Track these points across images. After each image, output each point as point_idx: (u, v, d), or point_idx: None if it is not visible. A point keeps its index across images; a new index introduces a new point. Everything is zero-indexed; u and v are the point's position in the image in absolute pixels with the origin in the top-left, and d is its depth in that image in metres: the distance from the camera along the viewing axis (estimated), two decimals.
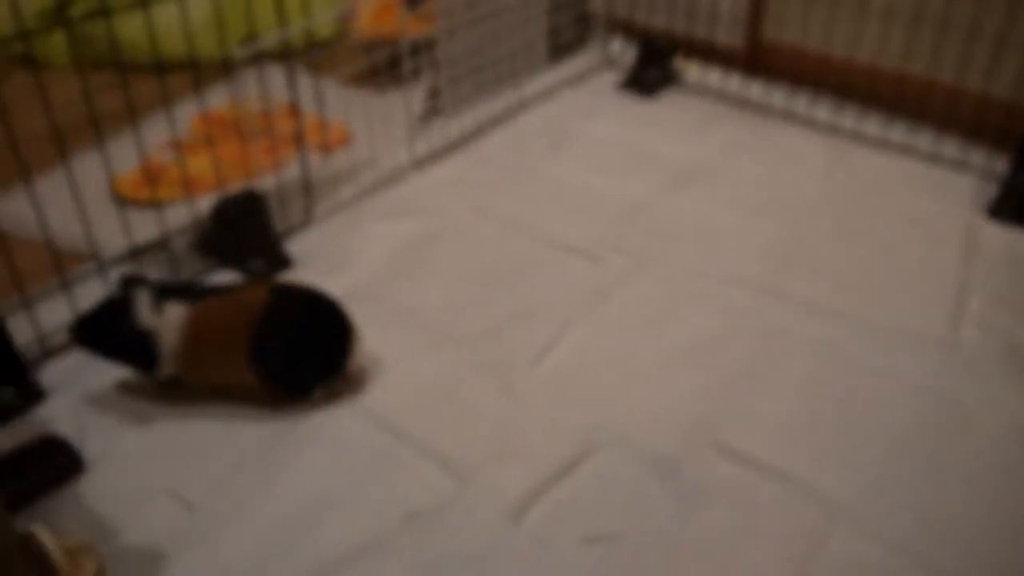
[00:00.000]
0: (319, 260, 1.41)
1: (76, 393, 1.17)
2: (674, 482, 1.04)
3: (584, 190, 1.59)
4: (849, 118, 1.76)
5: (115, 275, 1.29)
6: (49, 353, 1.23)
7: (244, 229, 1.38)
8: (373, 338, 1.23)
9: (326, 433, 1.11)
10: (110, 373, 1.20)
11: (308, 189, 1.48)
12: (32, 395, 1.17)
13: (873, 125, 1.73)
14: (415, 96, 1.63)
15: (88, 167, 1.16)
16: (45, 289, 1.23)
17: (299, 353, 1.11)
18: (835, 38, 1.78)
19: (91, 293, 1.28)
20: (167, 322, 1.07)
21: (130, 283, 1.10)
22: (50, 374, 1.21)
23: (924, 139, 1.69)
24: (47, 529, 0.40)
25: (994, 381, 1.18)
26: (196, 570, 0.94)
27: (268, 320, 1.09)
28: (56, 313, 1.25)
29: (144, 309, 1.06)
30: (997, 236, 1.46)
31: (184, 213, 1.34)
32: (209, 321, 1.09)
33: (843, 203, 1.55)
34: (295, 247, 1.44)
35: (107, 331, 1.09)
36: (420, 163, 1.66)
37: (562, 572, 0.95)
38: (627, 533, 0.98)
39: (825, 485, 1.03)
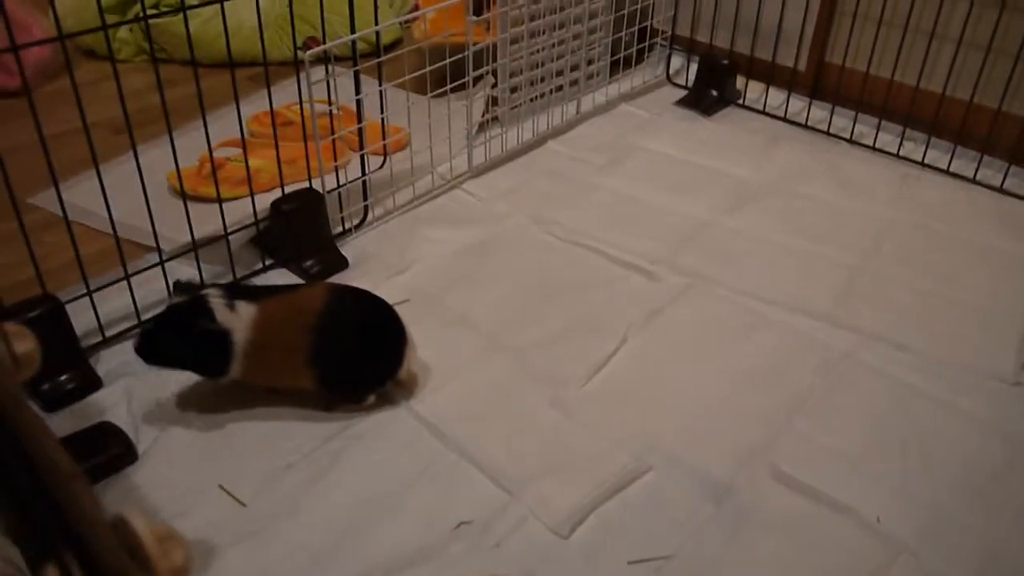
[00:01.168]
0: (374, 262, 1.42)
1: (131, 383, 1.18)
2: (728, 507, 1.02)
3: (643, 206, 1.57)
4: (916, 146, 1.72)
5: (175, 268, 1.30)
6: (107, 341, 1.24)
7: (301, 228, 1.38)
8: (426, 343, 1.23)
9: (377, 437, 1.10)
10: None
11: (366, 191, 1.48)
12: (89, 382, 1.18)
13: (940, 154, 1.69)
14: (475, 104, 1.63)
15: (147, 160, 1.17)
16: (106, 278, 1.24)
17: (355, 357, 1.10)
18: (903, 65, 1.75)
19: (151, 284, 1.29)
20: (242, 320, 1.07)
21: (187, 287, 1.09)
22: (107, 362, 1.22)
23: (993, 170, 1.64)
24: (138, 513, 0.39)
25: None
26: (244, 565, 0.94)
27: (325, 323, 1.08)
28: (116, 302, 1.27)
29: (221, 309, 1.06)
30: None
31: (242, 210, 1.35)
32: (269, 322, 1.09)
33: (908, 232, 1.51)
34: (351, 249, 1.45)
35: (177, 338, 1.07)
36: (478, 171, 1.66)
37: None
38: (677, 555, 0.96)
39: (885, 520, 1.00)
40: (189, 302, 1.07)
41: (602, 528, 1.00)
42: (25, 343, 0.54)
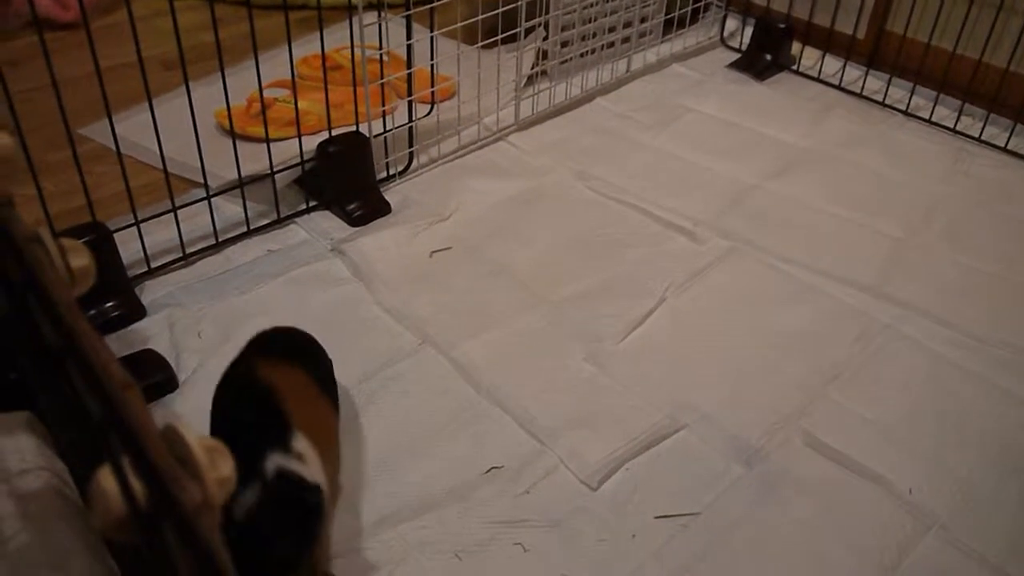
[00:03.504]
0: (417, 208, 1.42)
1: (174, 313, 1.21)
2: (758, 469, 1.02)
3: (689, 167, 1.56)
4: (973, 122, 1.68)
5: (220, 203, 1.32)
6: (152, 272, 1.26)
7: (346, 171, 1.39)
8: (465, 292, 1.23)
9: (413, 380, 1.12)
10: (206, 296, 1.23)
11: (412, 138, 1.48)
12: (133, 311, 1.20)
13: (999, 131, 1.65)
14: (525, 56, 1.62)
15: (197, 98, 1.18)
16: (153, 210, 1.26)
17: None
18: (966, 37, 1.70)
19: (196, 219, 1.31)
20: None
21: None
22: (151, 293, 1.25)
23: None
24: (187, 425, 0.40)
25: None
26: None
27: None
28: (162, 235, 1.28)
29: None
30: None
31: (289, 151, 1.36)
32: None
33: (960, 209, 1.48)
34: (394, 194, 1.45)
35: None
36: (524, 124, 1.65)
37: (636, 543, 0.94)
38: (704, 513, 0.97)
39: (917, 492, 0.99)
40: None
41: (631, 482, 1.00)
42: (81, 258, 0.56)
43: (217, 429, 0.87)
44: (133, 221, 1.21)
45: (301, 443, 0.80)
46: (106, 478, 0.41)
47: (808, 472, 1.02)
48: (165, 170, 1.20)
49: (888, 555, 0.93)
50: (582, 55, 1.77)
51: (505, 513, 0.96)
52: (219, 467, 0.42)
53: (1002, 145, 1.63)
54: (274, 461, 0.77)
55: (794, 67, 1.90)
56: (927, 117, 1.71)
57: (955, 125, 1.68)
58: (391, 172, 1.48)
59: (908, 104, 1.74)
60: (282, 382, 0.87)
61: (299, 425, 0.82)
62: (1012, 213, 1.47)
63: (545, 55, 1.71)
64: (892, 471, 1.01)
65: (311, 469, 0.79)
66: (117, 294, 1.20)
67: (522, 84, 1.61)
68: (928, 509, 0.98)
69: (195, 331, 1.18)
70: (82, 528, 0.77)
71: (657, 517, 0.96)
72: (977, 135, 1.66)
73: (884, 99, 1.77)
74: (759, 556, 0.93)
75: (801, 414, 1.09)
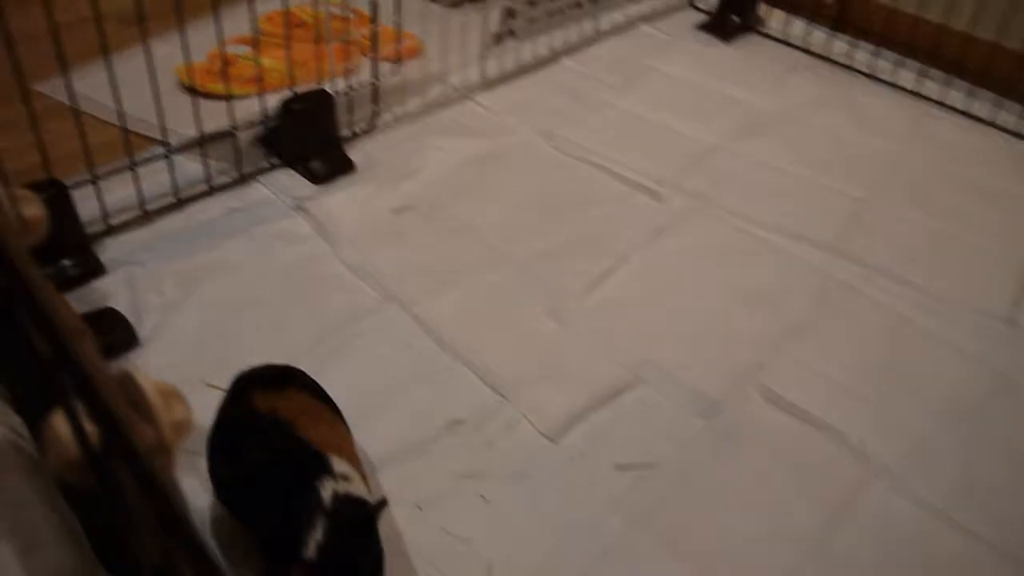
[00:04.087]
0: (381, 167, 1.41)
1: (134, 271, 1.19)
2: (716, 422, 1.04)
3: (653, 128, 1.56)
4: (936, 85, 1.70)
5: (181, 162, 1.30)
6: (112, 231, 1.25)
7: (310, 128, 1.37)
8: (429, 250, 1.23)
9: (376, 336, 1.12)
10: (167, 254, 1.22)
11: (376, 96, 1.47)
12: (92, 268, 1.19)
13: (959, 95, 1.67)
14: (491, 15, 1.61)
15: (156, 56, 1.16)
16: (113, 168, 1.24)
17: None
18: (928, 1, 1.71)
19: (156, 176, 1.29)
20: None
21: None
22: (110, 251, 1.23)
23: (1012, 114, 1.62)
24: (140, 370, 0.41)
25: None
26: None
27: None
28: (120, 192, 1.27)
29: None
30: None
31: (251, 109, 1.34)
32: None
33: (919, 170, 1.50)
34: (358, 153, 1.44)
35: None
36: (490, 83, 1.64)
37: (595, 493, 0.95)
38: (662, 465, 0.99)
39: (869, 443, 1.02)
40: None
41: (592, 435, 1.02)
42: (33, 207, 0.55)
43: (235, 475, 0.82)
44: (91, 177, 1.19)
45: (339, 463, 0.78)
46: (59, 421, 0.41)
47: (765, 425, 1.04)
48: (124, 126, 1.18)
49: (840, 501, 0.96)
50: (550, 15, 1.76)
51: (466, 466, 0.97)
52: (174, 410, 0.42)
53: (962, 108, 1.65)
54: (328, 489, 0.74)
55: (761, 29, 1.90)
56: (890, 80, 1.73)
57: (917, 89, 1.70)
58: (356, 131, 1.47)
59: (871, 67, 1.75)
60: (287, 410, 0.84)
61: (326, 447, 0.80)
62: (971, 175, 1.50)
63: (513, 14, 1.70)
64: (845, 423, 1.04)
65: (358, 485, 0.78)
66: (75, 252, 1.18)
67: (489, 43, 1.60)
68: (879, 459, 1.00)
69: (156, 289, 1.17)
70: (38, 480, 0.77)
71: (617, 468, 0.98)
72: (938, 98, 1.68)
73: (849, 62, 1.78)
74: (716, 504, 0.95)
75: (759, 368, 1.11)
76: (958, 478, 0.99)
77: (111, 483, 0.40)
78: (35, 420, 0.83)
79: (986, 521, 0.95)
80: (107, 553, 0.73)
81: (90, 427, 0.40)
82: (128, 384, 0.41)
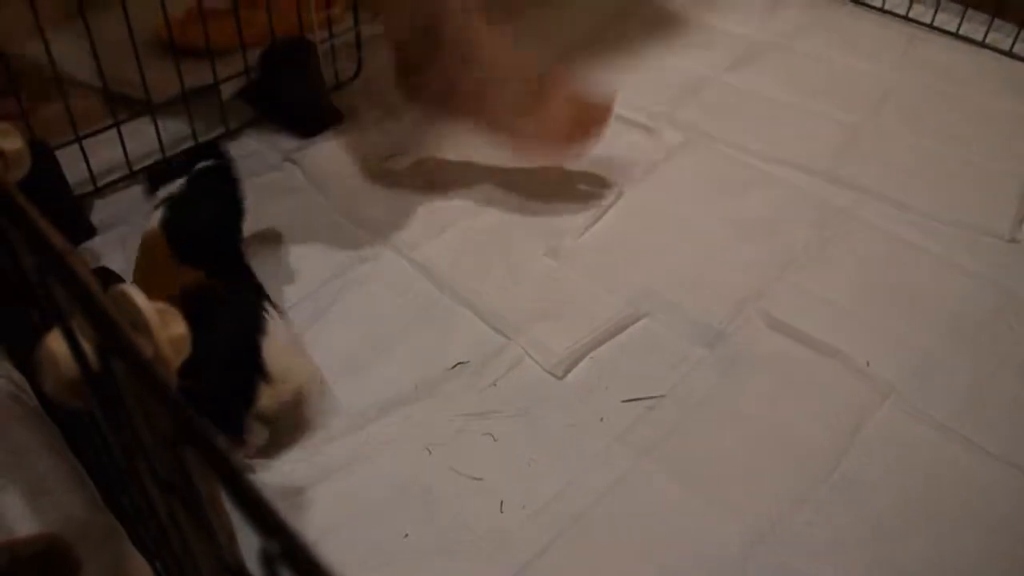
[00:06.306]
0: (369, 115, 1.39)
1: (125, 231, 1.18)
2: (720, 350, 1.03)
3: (642, 63, 1.54)
4: (925, 8, 1.67)
5: (165, 121, 1.28)
6: (100, 191, 1.23)
7: (294, 79, 1.35)
8: (421, 194, 1.22)
9: (376, 281, 1.11)
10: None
11: (359, 44, 1.44)
12: (82, 230, 1.18)
13: (950, 17, 1.65)
14: None
15: (133, 12, 1.13)
16: (97, 129, 1.22)
17: None
18: None
19: (141, 135, 1.27)
20: None
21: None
22: (100, 212, 1.22)
23: (1003, 34, 1.60)
24: (136, 288, 0.40)
25: None
26: None
27: None
28: (107, 153, 1.25)
29: None
30: None
31: (233, 63, 1.32)
32: None
33: (913, 93, 1.48)
34: (344, 102, 1.42)
35: None
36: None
37: (603, 426, 0.95)
38: (669, 395, 0.98)
39: (874, 364, 1.02)
40: None
41: (596, 370, 1.01)
42: (13, 141, 0.53)
43: None
44: (75, 138, 1.17)
45: None
46: (54, 341, 0.40)
47: (769, 350, 1.04)
48: (104, 86, 1.16)
49: (848, 422, 0.96)
50: None
51: (472, 406, 0.97)
52: (171, 327, 0.41)
53: (953, 31, 1.63)
54: None
55: None
56: (879, 6, 1.70)
57: (907, 12, 1.67)
58: (340, 80, 1.45)
59: None
60: None
61: None
62: (964, 95, 1.48)
63: None
64: (849, 345, 1.03)
65: None
66: (64, 214, 1.16)
67: None
68: (884, 379, 1.00)
69: None
70: (44, 430, 0.76)
71: (624, 401, 0.98)
72: (929, 21, 1.65)
73: None
74: (724, 430, 0.95)
75: (760, 296, 1.10)
76: (965, 394, 0.99)
77: (113, 397, 0.39)
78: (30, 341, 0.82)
79: (994, 435, 0.95)
80: (112, 493, 0.73)
81: (87, 346, 0.39)
82: (123, 301, 0.40)
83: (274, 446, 0.91)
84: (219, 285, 0.92)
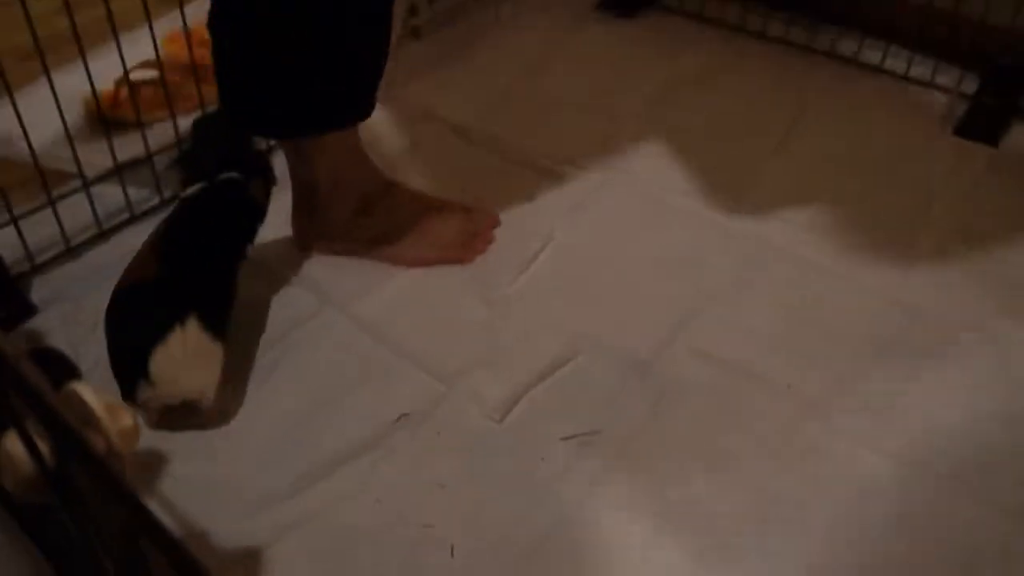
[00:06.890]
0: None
1: (67, 308, 1.20)
2: (650, 383, 1.09)
3: (561, 106, 1.60)
4: (825, 39, 1.77)
5: (100, 193, 1.30)
6: (37, 269, 1.25)
7: (225, 145, 1.38)
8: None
9: (316, 342, 1.14)
10: (97, 286, 1.22)
11: None
12: (22, 309, 1.19)
13: (848, 46, 1.75)
14: (396, 13, 1.62)
15: (59, 89, 1.16)
16: (31, 207, 1.24)
17: None
18: None
19: (75, 208, 1.29)
20: None
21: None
22: (40, 290, 1.23)
23: (897, 60, 1.70)
24: (86, 385, 0.43)
25: (953, 290, 1.23)
26: (193, 475, 0.98)
27: None
28: (43, 230, 1.26)
29: None
30: (963, 152, 1.50)
31: (165, 133, 1.35)
32: None
33: (815, 123, 1.57)
34: (280, 165, 1.44)
35: None
36: (404, 81, 1.66)
37: (543, 464, 1.00)
38: (605, 429, 1.03)
39: (798, 384, 1.08)
40: None
41: (534, 411, 1.06)
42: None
43: None
44: (9, 218, 1.18)
45: None
46: (11, 442, 0.43)
47: (695, 379, 1.10)
48: (35, 160, 1.17)
49: (772, 438, 1.02)
50: (452, 6, 1.78)
51: (418, 456, 1.01)
52: (120, 419, 0.45)
53: (849, 57, 1.73)
54: None
55: (660, 2, 1.95)
56: (780, 38, 1.79)
57: (807, 44, 1.77)
58: (271, 144, 1.48)
59: (762, 30, 1.82)
60: None
61: None
62: (865, 121, 1.57)
63: (416, 10, 1.73)
64: (772, 367, 1.10)
65: None
66: (2, 296, 1.18)
67: (396, 42, 1.62)
68: (807, 396, 1.07)
69: (91, 323, 1.17)
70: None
71: (562, 439, 1.03)
72: (826, 51, 1.75)
73: (742, 26, 1.84)
74: (662, 456, 1.01)
75: (686, 329, 1.16)
76: (882, 405, 1.06)
77: (70, 492, 0.42)
78: None
79: (911, 444, 1.02)
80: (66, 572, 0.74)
81: (42, 445, 0.43)
82: (73, 399, 0.43)
83: (225, 509, 0.94)
84: None
